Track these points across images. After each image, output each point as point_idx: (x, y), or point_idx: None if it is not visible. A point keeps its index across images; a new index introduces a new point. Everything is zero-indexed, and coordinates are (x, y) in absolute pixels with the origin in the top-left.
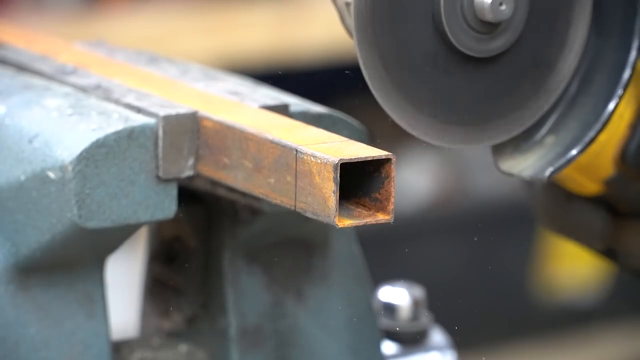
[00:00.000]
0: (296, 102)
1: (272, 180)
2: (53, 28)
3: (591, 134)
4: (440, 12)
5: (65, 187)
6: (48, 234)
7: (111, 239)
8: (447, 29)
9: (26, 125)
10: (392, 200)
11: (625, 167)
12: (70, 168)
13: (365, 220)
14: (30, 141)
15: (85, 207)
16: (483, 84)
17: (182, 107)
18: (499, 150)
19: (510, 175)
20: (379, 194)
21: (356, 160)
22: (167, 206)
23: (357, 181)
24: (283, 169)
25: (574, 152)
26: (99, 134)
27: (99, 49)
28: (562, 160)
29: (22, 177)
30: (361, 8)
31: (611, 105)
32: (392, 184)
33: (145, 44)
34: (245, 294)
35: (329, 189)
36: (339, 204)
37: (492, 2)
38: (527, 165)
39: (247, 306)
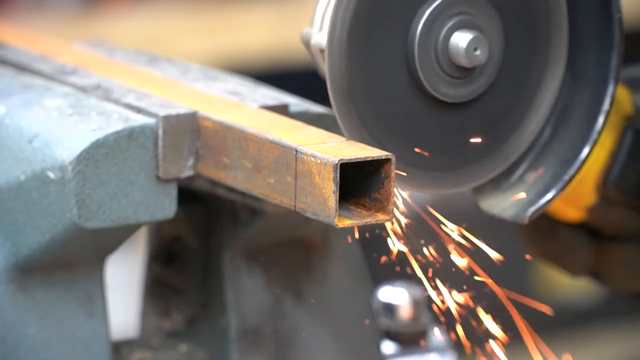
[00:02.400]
0: (296, 102)
1: (272, 180)
2: (53, 28)
3: (571, 171)
4: (414, 57)
5: (65, 187)
6: (48, 234)
7: (111, 239)
8: (421, 74)
9: (26, 125)
10: (392, 200)
11: (607, 194)
12: (70, 168)
13: (365, 220)
14: (30, 141)
15: (85, 207)
16: (457, 128)
17: (182, 107)
18: (479, 188)
19: (491, 214)
20: (379, 194)
21: (356, 160)
22: (167, 206)
23: (357, 181)
24: (283, 169)
25: (553, 191)
26: (99, 134)
27: (99, 49)
28: (543, 201)
29: (22, 177)
30: (334, 55)
31: (586, 150)
32: (392, 184)
33: (145, 44)
34: (245, 294)
35: (329, 189)
36: (339, 204)
37: (466, 47)
38: (508, 204)
39: (247, 306)
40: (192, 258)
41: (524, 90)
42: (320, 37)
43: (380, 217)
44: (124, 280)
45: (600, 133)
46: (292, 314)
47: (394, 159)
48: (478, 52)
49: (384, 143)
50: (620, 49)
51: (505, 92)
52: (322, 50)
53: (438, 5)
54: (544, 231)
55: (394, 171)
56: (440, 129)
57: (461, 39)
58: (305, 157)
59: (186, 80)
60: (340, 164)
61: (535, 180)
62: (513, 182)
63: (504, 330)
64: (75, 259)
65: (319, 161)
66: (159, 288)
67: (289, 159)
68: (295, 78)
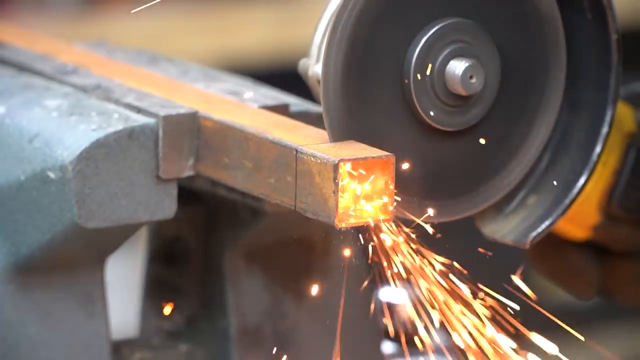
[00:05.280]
0: (296, 102)
1: (272, 180)
2: (53, 28)
3: (571, 195)
4: (410, 85)
5: (65, 187)
6: (48, 234)
7: (111, 239)
8: (416, 102)
9: (26, 125)
10: (392, 200)
11: (612, 213)
12: (70, 168)
13: (365, 220)
14: (30, 141)
15: (85, 207)
16: (454, 156)
17: (182, 107)
18: (480, 213)
19: (492, 240)
20: (379, 193)
21: (356, 160)
22: (167, 206)
23: (357, 181)
24: (283, 169)
25: (554, 216)
26: (99, 134)
27: (99, 49)
28: (544, 225)
29: (22, 177)
30: (330, 86)
31: (586, 174)
32: (392, 183)
33: (145, 44)
34: (245, 294)
35: (329, 189)
36: (339, 204)
37: (462, 75)
38: (509, 229)
39: (247, 306)
40: (192, 258)
41: (522, 117)
42: (317, 68)
43: (380, 217)
44: (124, 280)
45: (599, 156)
46: (292, 314)
47: (393, 159)
48: (474, 80)
49: None
50: (618, 71)
51: (502, 120)
52: (319, 81)
53: (434, 33)
54: (551, 251)
55: (394, 171)
56: (437, 157)
57: (457, 67)
58: (305, 157)
59: (186, 80)
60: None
61: (537, 204)
62: (514, 207)
63: (503, 330)
64: (75, 259)
65: (319, 161)
66: (159, 288)
67: (289, 159)
68: (295, 78)
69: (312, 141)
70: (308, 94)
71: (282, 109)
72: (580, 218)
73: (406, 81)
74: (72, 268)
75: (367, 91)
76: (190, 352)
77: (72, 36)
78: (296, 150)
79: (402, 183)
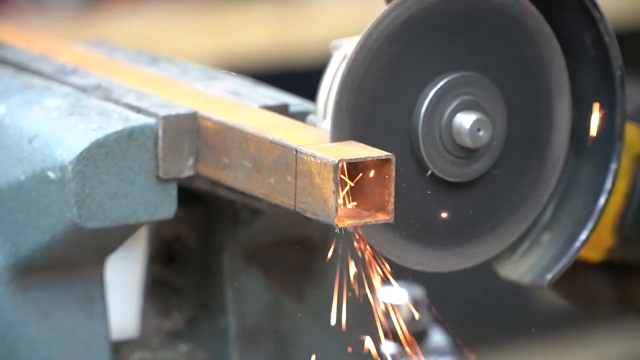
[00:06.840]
0: (296, 102)
1: (272, 180)
2: (53, 28)
3: (585, 233)
4: (418, 137)
5: (65, 187)
6: (48, 234)
7: (111, 239)
8: (424, 154)
9: (26, 125)
10: (392, 200)
11: (624, 236)
12: (70, 168)
13: (365, 220)
14: (30, 141)
15: (85, 207)
16: (461, 207)
17: (182, 107)
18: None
19: (509, 280)
20: (379, 194)
21: (356, 160)
22: (167, 206)
23: (357, 181)
24: (283, 169)
25: (570, 254)
26: (99, 134)
27: (99, 49)
28: (560, 265)
29: (22, 177)
30: (338, 137)
31: (597, 211)
32: (392, 184)
33: (145, 44)
34: (245, 294)
35: (329, 189)
36: (339, 204)
37: (470, 128)
38: (525, 269)
39: (247, 306)
40: (192, 258)
41: (529, 166)
42: (325, 125)
43: (380, 217)
44: (124, 280)
45: (610, 192)
46: (292, 314)
47: (394, 159)
48: (481, 133)
49: (390, 224)
50: (623, 107)
51: (509, 170)
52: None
53: (442, 86)
54: (566, 273)
55: (394, 171)
56: (444, 207)
57: (465, 120)
58: (305, 157)
59: (186, 80)
60: (340, 164)
61: (551, 243)
62: (528, 246)
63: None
64: (75, 259)
65: (319, 161)
66: (159, 288)
67: (289, 159)
68: (295, 78)
69: (312, 141)
70: (308, 94)
71: (282, 109)
72: (594, 242)
73: (414, 132)
74: (72, 268)
75: (375, 141)
76: (190, 352)
77: (72, 36)
78: (296, 150)
79: (409, 233)
